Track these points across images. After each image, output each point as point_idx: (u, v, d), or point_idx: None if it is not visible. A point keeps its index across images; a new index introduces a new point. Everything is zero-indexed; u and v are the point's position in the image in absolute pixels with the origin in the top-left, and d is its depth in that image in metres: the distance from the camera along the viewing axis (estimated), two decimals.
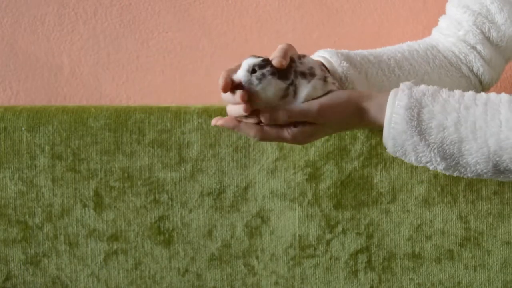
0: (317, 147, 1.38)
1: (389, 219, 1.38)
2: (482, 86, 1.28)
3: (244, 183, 1.39)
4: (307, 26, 1.60)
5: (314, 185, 1.38)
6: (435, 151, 1.04)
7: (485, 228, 1.37)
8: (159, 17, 1.62)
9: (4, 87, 1.63)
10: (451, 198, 1.37)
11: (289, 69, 1.10)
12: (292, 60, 1.11)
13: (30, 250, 1.41)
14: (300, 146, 1.38)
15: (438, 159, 1.04)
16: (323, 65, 1.14)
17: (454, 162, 1.04)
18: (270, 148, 1.38)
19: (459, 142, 1.02)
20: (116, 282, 1.41)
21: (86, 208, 1.40)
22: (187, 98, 1.62)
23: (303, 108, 1.07)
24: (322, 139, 1.37)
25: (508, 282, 1.37)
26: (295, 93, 1.09)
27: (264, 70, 1.09)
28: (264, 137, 1.11)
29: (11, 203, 1.41)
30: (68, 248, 1.41)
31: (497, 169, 1.03)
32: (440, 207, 1.37)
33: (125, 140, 1.40)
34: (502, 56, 1.27)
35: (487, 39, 1.24)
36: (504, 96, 1.04)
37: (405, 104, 1.03)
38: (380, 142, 1.36)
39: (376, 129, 1.09)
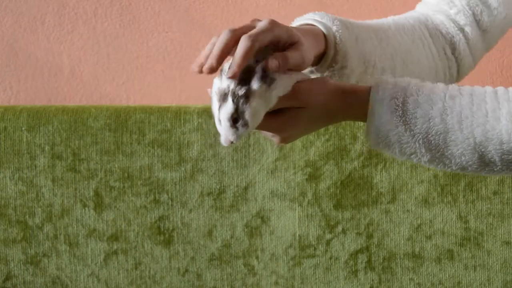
0: (317, 147, 1.38)
1: (389, 219, 1.38)
2: (459, 72, 1.25)
3: (244, 183, 1.39)
4: None
5: (314, 185, 1.38)
6: (420, 141, 1.02)
7: (485, 228, 1.37)
8: (159, 17, 1.62)
9: (4, 87, 1.63)
10: (451, 198, 1.37)
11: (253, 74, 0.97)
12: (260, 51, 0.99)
13: (30, 250, 1.41)
14: (300, 146, 1.37)
15: (423, 150, 1.03)
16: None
17: (439, 154, 1.03)
18: (270, 148, 1.38)
19: (445, 133, 1.02)
20: (116, 282, 1.41)
21: (86, 208, 1.40)
22: (187, 98, 1.62)
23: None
24: (322, 138, 1.37)
25: (508, 282, 1.37)
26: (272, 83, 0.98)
27: (244, 108, 0.97)
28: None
29: (11, 203, 1.41)
30: (68, 248, 1.41)
31: (482, 160, 1.02)
32: (440, 207, 1.37)
33: (125, 140, 1.40)
34: (485, 44, 1.25)
35: (477, 22, 1.22)
36: (488, 87, 1.04)
37: (389, 94, 1.02)
38: None
39: (359, 121, 1.06)
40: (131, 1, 1.61)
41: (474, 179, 1.37)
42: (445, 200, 1.37)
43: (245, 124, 0.97)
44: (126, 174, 1.40)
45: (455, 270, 1.38)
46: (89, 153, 1.40)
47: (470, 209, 1.37)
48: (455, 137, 1.01)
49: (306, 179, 1.38)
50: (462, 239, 1.37)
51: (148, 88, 1.63)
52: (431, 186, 1.37)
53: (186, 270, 1.40)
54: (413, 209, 1.37)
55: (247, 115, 0.97)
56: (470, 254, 1.37)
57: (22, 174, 1.40)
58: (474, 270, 1.37)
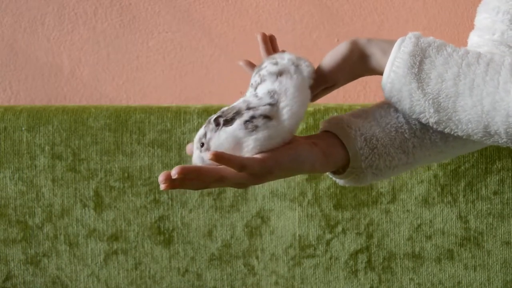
0: None
1: (389, 219, 1.38)
2: None
3: None
4: (307, 26, 1.60)
5: (314, 185, 1.38)
6: (430, 101, 1.05)
7: (485, 228, 1.37)
8: (159, 17, 1.62)
9: (4, 87, 1.63)
10: (451, 198, 1.37)
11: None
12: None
13: (30, 250, 1.41)
14: None
15: (432, 111, 1.06)
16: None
17: (446, 117, 1.06)
18: None
19: (455, 97, 1.04)
20: (116, 282, 1.41)
21: (86, 208, 1.40)
22: (187, 98, 1.62)
23: None
24: None
25: (508, 282, 1.37)
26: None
27: (211, 135, 0.99)
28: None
29: (11, 203, 1.41)
30: (68, 248, 1.41)
31: (487, 131, 1.04)
32: (440, 207, 1.37)
33: (125, 140, 1.40)
34: None
35: None
36: (508, 59, 1.05)
37: (409, 51, 1.06)
38: None
39: (377, 74, 1.10)
40: (131, 1, 1.62)
41: (474, 179, 1.37)
42: (445, 200, 1.37)
43: (207, 150, 0.98)
44: (126, 174, 1.40)
45: (455, 270, 1.38)
46: (89, 153, 1.40)
47: (470, 209, 1.37)
48: (464, 103, 1.04)
49: (306, 179, 1.38)
50: (462, 239, 1.37)
51: (148, 88, 1.63)
52: (431, 186, 1.37)
53: (186, 270, 1.40)
54: (413, 209, 1.37)
55: (211, 143, 0.98)
56: (470, 254, 1.37)
57: (22, 174, 1.40)
58: (474, 270, 1.37)
